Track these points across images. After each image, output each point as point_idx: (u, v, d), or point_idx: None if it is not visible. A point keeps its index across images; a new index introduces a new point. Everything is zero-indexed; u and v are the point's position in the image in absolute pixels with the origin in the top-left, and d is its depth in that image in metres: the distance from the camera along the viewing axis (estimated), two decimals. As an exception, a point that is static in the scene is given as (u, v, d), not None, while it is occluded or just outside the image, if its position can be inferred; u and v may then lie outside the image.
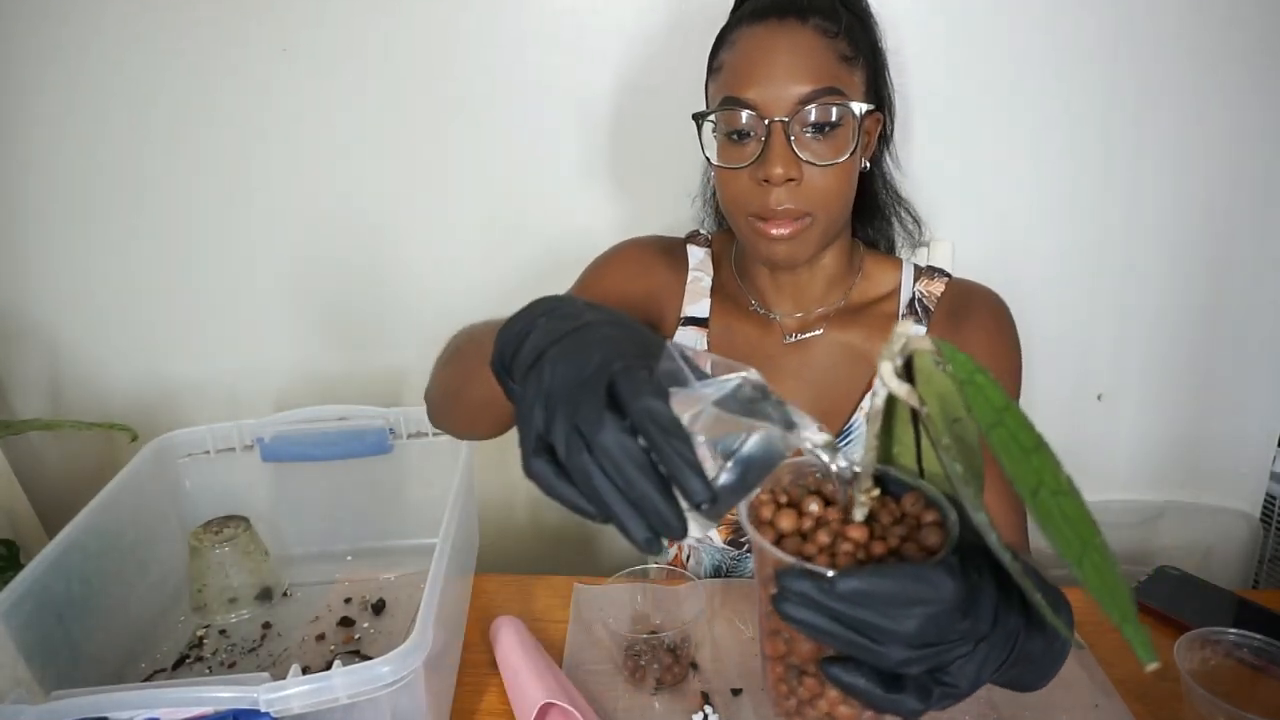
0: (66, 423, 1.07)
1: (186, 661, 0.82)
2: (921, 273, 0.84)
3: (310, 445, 0.95)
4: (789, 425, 0.39)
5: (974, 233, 1.11)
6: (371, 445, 0.96)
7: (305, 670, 0.56)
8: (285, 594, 0.92)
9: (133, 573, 0.85)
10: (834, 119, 0.69)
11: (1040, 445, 0.33)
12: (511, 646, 0.76)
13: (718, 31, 0.76)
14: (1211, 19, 1.01)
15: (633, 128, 1.09)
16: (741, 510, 0.42)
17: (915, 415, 0.42)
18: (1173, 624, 0.80)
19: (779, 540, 0.42)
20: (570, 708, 0.67)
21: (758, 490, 0.43)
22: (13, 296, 1.21)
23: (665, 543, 0.98)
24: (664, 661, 0.73)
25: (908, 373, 0.39)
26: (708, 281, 0.88)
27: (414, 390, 1.26)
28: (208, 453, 0.95)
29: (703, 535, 0.42)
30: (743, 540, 0.88)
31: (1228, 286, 1.14)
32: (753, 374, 0.40)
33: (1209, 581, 0.87)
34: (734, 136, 0.71)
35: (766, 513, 0.43)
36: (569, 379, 0.40)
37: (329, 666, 0.56)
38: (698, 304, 0.88)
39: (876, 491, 0.42)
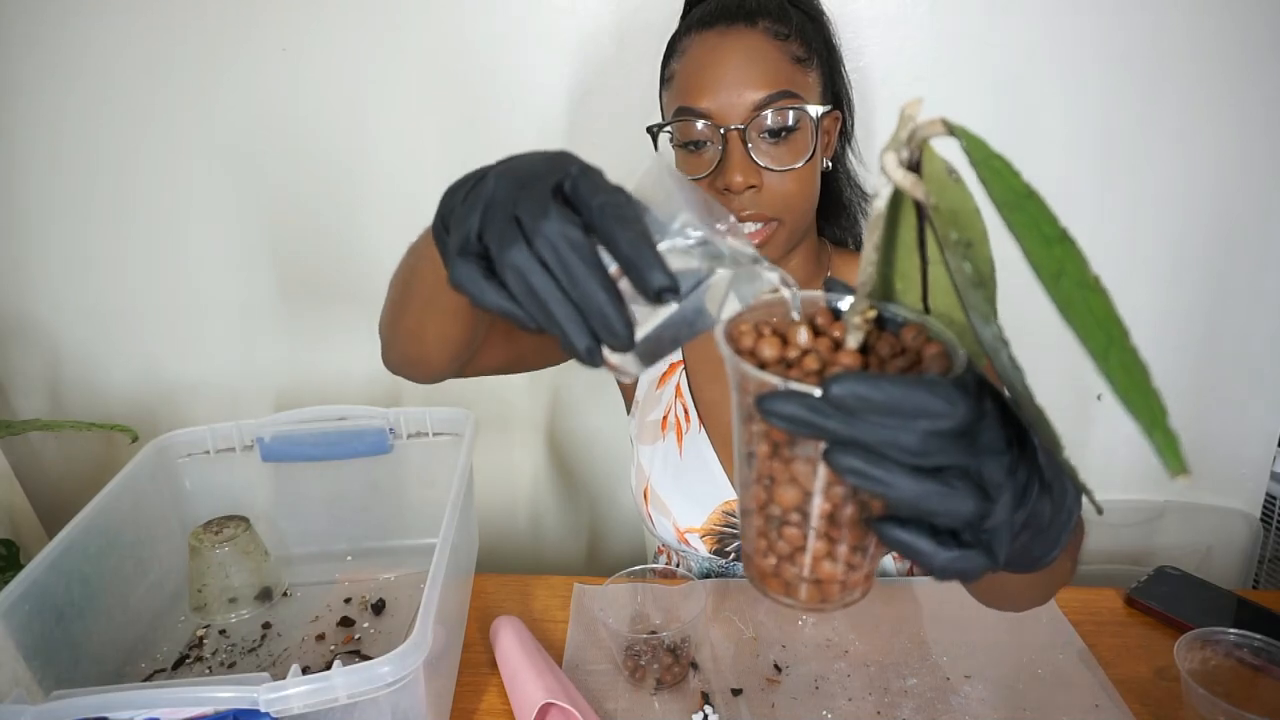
0: (67, 423, 1.07)
1: (186, 661, 0.82)
2: None
3: (310, 445, 0.95)
4: (752, 266, 0.36)
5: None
6: (371, 445, 0.96)
7: (305, 670, 0.55)
8: (285, 594, 0.92)
9: (132, 573, 0.85)
10: (791, 123, 0.68)
11: (1065, 238, 0.29)
12: (511, 646, 0.76)
13: (668, 40, 0.75)
14: (1212, 18, 1.01)
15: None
16: (718, 335, 0.37)
17: (922, 242, 0.37)
18: (1173, 624, 0.80)
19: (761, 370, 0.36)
20: (570, 708, 0.67)
21: (718, 324, 0.38)
22: (13, 296, 1.21)
23: (658, 551, 0.99)
24: (664, 661, 0.73)
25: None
26: None
27: (414, 390, 1.26)
28: (208, 453, 0.95)
29: (637, 373, 0.37)
30: (728, 550, 0.87)
31: (1228, 286, 1.14)
32: (728, 222, 0.36)
33: (1209, 581, 0.87)
34: (690, 146, 0.71)
35: (747, 341, 0.37)
36: (514, 184, 0.35)
37: (329, 666, 0.56)
38: None
39: (873, 313, 0.37)
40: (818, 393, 0.31)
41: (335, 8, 1.05)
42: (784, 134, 0.69)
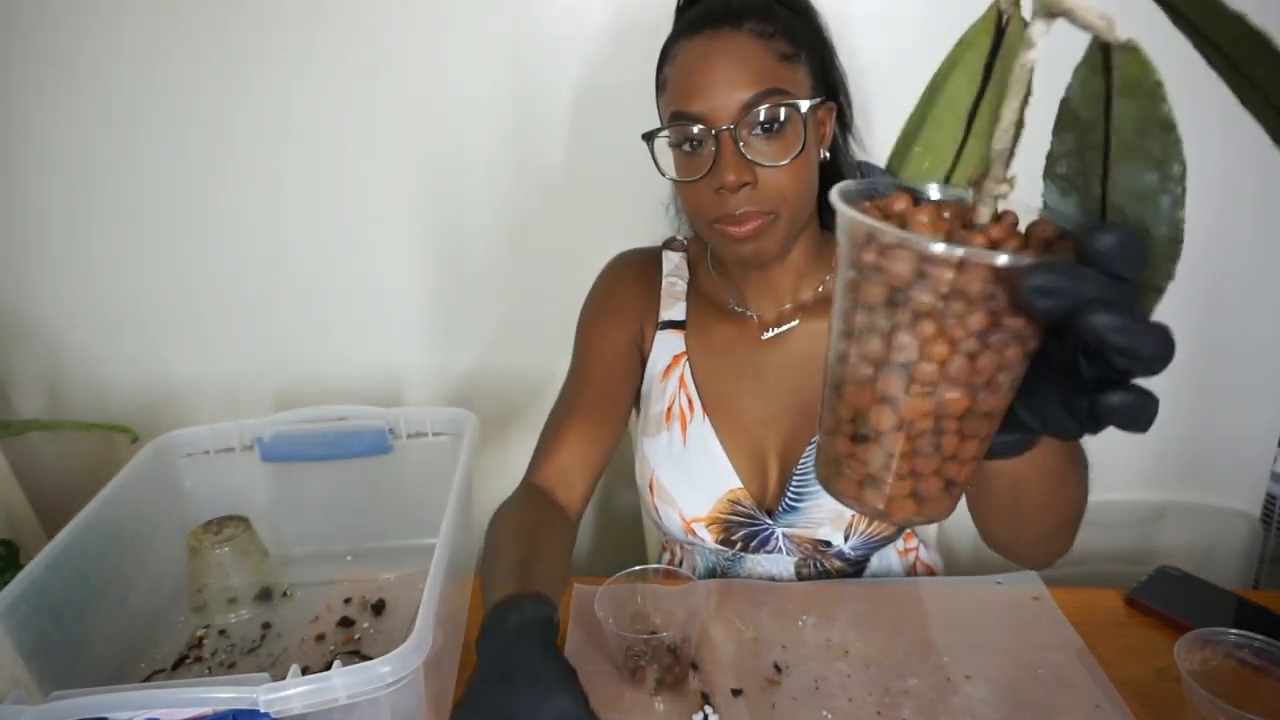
0: (67, 423, 1.07)
1: (186, 662, 0.82)
2: None
3: (310, 445, 0.95)
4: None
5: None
6: (371, 445, 0.96)
7: (305, 670, 0.55)
8: (285, 594, 0.92)
9: (132, 573, 0.85)
10: (781, 119, 0.70)
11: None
12: (511, 647, 0.75)
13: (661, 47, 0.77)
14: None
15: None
16: (935, 247, 0.31)
17: (974, 111, 0.36)
18: (1173, 624, 0.80)
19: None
20: (570, 708, 0.67)
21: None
22: (14, 296, 1.21)
23: (661, 548, 1.00)
24: (664, 661, 0.73)
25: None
26: (683, 285, 0.91)
27: (414, 390, 1.26)
28: (207, 453, 0.95)
29: None
30: (734, 539, 0.88)
31: (1227, 286, 1.14)
32: None
33: (1210, 582, 0.87)
34: (686, 149, 0.73)
35: (900, 203, 0.34)
36: None
37: (329, 667, 0.56)
38: (674, 308, 0.90)
39: (1012, 182, 0.34)
40: (1025, 261, 0.29)
41: (336, 9, 1.05)
42: (774, 130, 0.70)
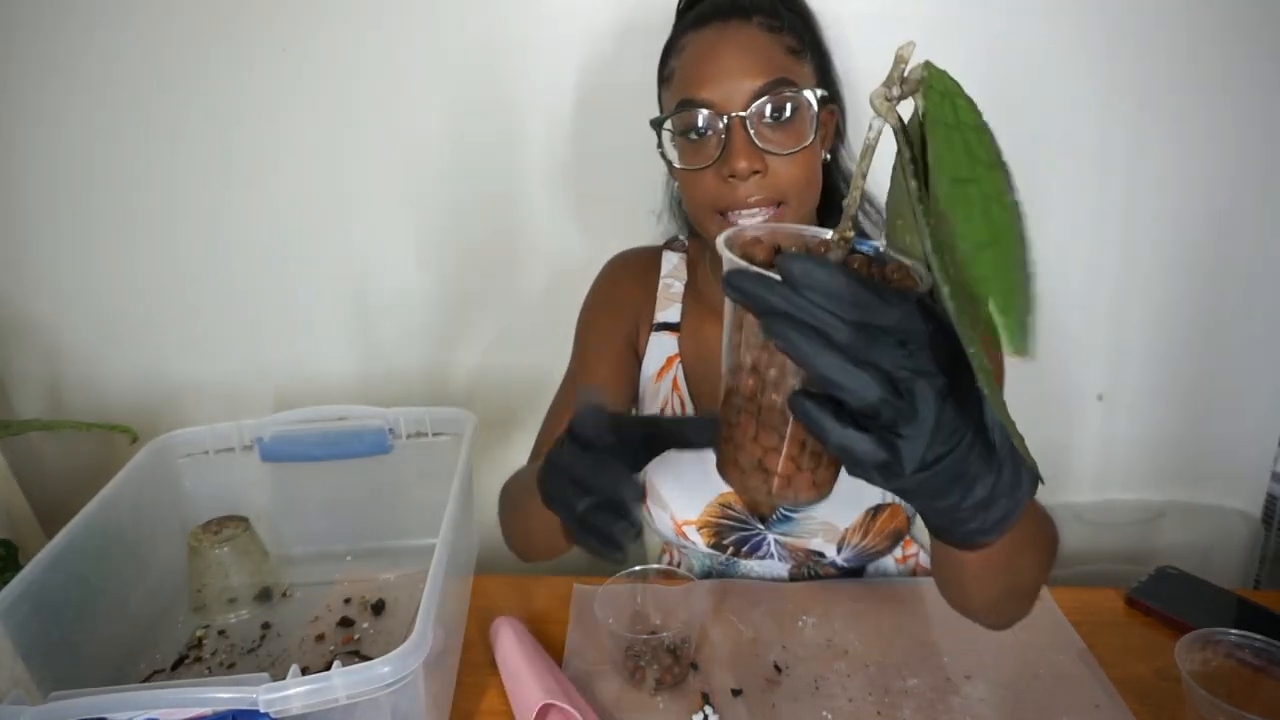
0: (66, 423, 1.07)
1: (186, 662, 0.82)
2: None
3: (309, 445, 0.95)
4: None
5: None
6: (371, 445, 0.95)
7: (305, 671, 0.55)
8: (285, 594, 0.92)
9: (132, 573, 0.85)
10: (790, 108, 0.70)
11: (996, 165, 0.33)
12: (511, 647, 0.76)
13: (664, 42, 0.77)
14: (1211, 17, 1.01)
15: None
16: (719, 242, 0.41)
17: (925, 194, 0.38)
18: (1173, 624, 0.80)
19: None
20: (570, 708, 0.67)
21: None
22: (13, 296, 1.21)
23: (661, 549, 1.00)
24: (664, 661, 0.73)
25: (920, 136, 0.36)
26: (679, 287, 0.91)
27: (414, 390, 1.26)
28: (207, 453, 0.94)
29: None
30: (725, 544, 0.88)
31: (1227, 286, 1.14)
32: None
33: (1210, 582, 0.87)
34: (693, 138, 0.72)
35: (748, 248, 0.42)
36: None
37: (329, 667, 0.56)
38: (669, 310, 0.90)
39: (851, 233, 0.40)
40: (776, 277, 0.35)
41: (339, 9, 1.05)
42: (784, 119, 0.70)
